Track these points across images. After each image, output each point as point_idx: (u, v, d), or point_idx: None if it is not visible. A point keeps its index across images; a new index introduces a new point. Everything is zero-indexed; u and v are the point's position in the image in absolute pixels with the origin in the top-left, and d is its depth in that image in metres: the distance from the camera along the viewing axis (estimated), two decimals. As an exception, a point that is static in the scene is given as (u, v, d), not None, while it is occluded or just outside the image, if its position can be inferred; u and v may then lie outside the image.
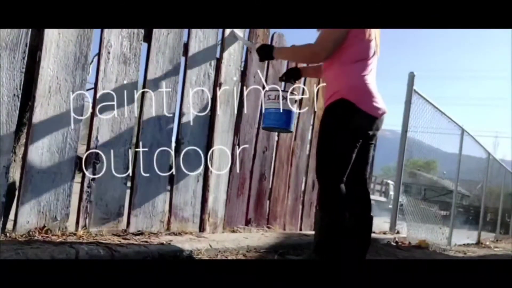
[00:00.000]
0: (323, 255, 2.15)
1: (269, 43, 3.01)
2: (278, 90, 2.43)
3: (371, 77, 2.23)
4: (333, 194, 2.15)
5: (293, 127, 2.52)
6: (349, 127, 2.14)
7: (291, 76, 2.53)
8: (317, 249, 2.21)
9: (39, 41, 1.85)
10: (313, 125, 3.47)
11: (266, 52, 2.38)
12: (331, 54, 2.20)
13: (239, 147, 2.82)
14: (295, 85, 2.52)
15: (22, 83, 1.78)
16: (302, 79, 3.30)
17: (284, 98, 2.40)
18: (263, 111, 2.52)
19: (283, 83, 2.50)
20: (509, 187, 9.17)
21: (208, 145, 2.61)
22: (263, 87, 2.98)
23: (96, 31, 2.05)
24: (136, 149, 2.23)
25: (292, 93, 2.44)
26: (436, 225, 5.44)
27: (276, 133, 3.17)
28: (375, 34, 2.26)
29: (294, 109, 2.49)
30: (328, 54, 2.20)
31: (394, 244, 4.02)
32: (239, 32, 2.72)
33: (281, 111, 2.40)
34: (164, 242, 2.07)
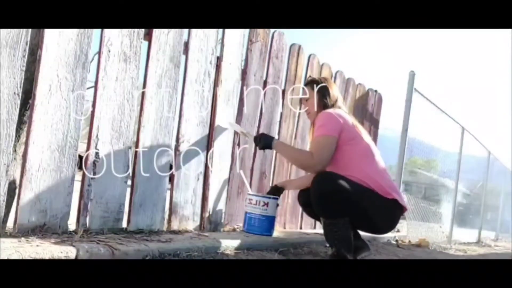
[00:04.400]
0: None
1: (269, 42, 3.00)
2: (260, 196, 2.57)
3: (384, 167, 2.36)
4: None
5: (273, 231, 2.62)
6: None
7: (274, 193, 2.66)
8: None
9: (39, 39, 1.85)
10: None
11: (266, 143, 2.44)
12: (326, 165, 2.27)
13: (239, 147, 2.82)
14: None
15: (22, 81, 1.78)
16: (302, 80, 3.30)
17: (265, 204, 2.52)
18: (245, 214, 2.61)
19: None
20: (509, 186, 9.16)
21: (208, 144, 2.61)
22: (264, 86, 2.98)
23: (97, 29, 2.05)
24: (136, 149, 2.23)
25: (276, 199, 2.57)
26: (436, 223, 5.44)
27: (277, 132, 3.18)
28: (358, 127, 2.37)
29: (276, 213, 2.60)
30: (324, 166, 2.27)
31: (394, 242, 4.03)
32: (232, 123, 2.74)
33: (263, 217, 2.53)
34: (165, 240, 2.07)
